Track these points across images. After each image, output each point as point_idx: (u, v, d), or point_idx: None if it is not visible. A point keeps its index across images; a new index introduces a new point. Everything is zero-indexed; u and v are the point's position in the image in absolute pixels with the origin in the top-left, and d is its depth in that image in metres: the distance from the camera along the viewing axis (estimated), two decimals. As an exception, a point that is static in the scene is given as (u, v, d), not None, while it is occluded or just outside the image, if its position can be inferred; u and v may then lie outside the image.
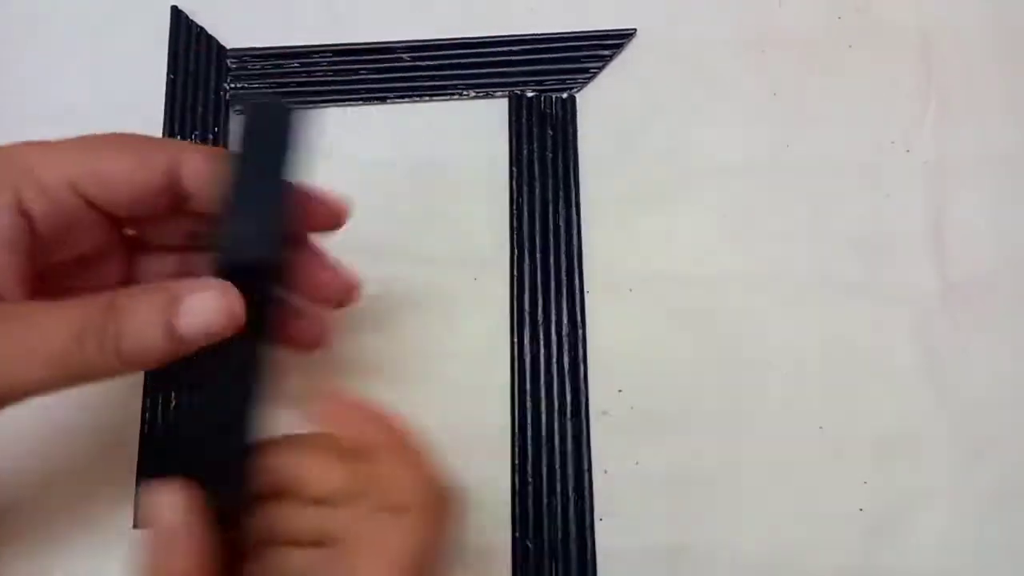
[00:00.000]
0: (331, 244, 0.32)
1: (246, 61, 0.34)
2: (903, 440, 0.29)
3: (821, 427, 0.30)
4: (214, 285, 0.20)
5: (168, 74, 0.34)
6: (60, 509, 0.29)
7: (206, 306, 0.20)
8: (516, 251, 0.31)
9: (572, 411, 0.30)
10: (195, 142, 0.33)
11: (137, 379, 0.30)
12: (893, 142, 0.33)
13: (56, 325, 0.19)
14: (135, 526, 0.29)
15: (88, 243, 0.22)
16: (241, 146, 0.22)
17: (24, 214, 0.20)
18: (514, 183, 0.32)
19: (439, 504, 0.22)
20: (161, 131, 0.33)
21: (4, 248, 0.20)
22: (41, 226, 0.20)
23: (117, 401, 0.30)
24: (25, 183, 0.20)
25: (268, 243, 0.21)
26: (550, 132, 0.33)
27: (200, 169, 0.22)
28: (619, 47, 0.34)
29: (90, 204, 0.21)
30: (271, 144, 0.22)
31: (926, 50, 0.34)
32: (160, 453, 0.29)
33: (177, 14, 0.34)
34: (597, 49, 0.34)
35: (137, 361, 0.20)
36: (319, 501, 0.21)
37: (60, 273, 0.22)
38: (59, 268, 0.22)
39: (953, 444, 0.29)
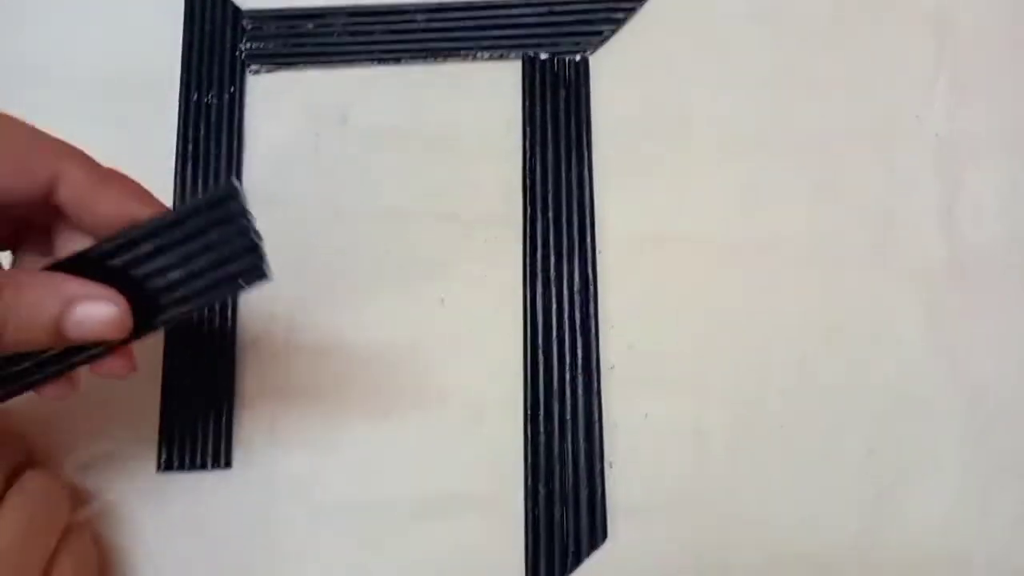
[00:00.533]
0: (349, 207, 0.33)
1: (261, 22, 0.34)
2: (910, 409, 0.30)
3: (828, 392, 0.30)
4: (109, 296, 0.21)
5: (184, 34, 0.34)
6: (86, 452, 0.30)
7: (98, 316, 0.21)
8: (529, 210, 0.32)
9: (583, 365, 0.31)
10: (210, 101, 0.34)
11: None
12: (903, 111, 0.33)
13: None
14: (159, 468, 0.30)
15: None
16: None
17: None
18: (527, 144, 0.33)
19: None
20: (178, 92, 0.34)
21: None
22: None
23: (140, 345, 0.31)
24: None
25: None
26: (563, 94, 0.33)
27: (79, 189, 0.22)
28: (633, 10, 0.34)
29: None
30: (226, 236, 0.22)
31: (939, 23, 0.34)
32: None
33: (192, -26, 0.35)
34: (611, 12, 0.34)
35: (13, 347, 0.21)
36: None
37: None
38: None
39: (961, 415, 0.30)
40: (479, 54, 0.34)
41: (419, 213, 0.32)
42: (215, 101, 0.34)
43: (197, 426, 0.31)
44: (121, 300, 0.21)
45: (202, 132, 0.33)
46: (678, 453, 0.30)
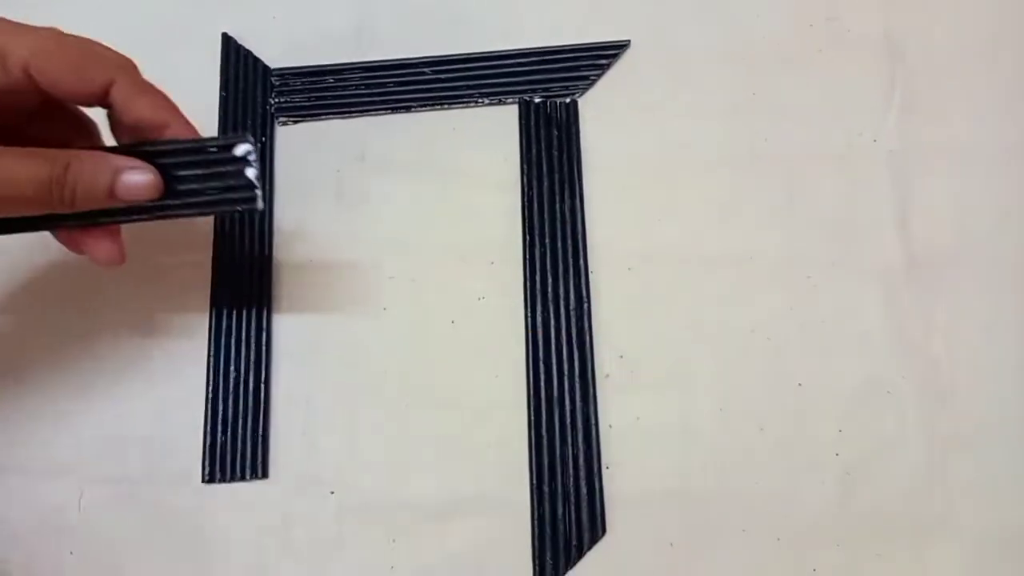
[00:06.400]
0: (367, 235, 0.37)
1: (288, 78, 0.39)
2: (874, 393, 0.33)
3: (800, 383, 0.33)
4: (146, 167, 0.28)
5: (220, 91, 0.38)
6: (134, 464, 0.34)
7: (140, 180, 0.28)
8: (528, 237, 0.36)
9: (580, 375, 0.34)
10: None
11: (202, 344, 0.35)
12: (861, 133, 0.37)
13: (28, 174, 0.26)
14: (203, 480, 0.34)
15: (31, 105, 0.28)
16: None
17: None
18: (525, 178, 0.37)
19: None
20: (215, 141, 0.38)
21: None
22: None
23: (185, 361, 0.35)
24: None
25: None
26: (556, 133, 0.37)
27: (126, 94, 0.28)
28: (615, 57, 0.38)
29: (36, 85, 0.27)
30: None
31: (890, 52, 0.37)
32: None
33: (227, 39, 0.39)
34: (596, 59, 0.38)
35: (82, 208, 0.27)
36: None
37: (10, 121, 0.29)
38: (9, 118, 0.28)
39: (918, 396, 0.33)
40: (480, 100, 0.38)
41: (430, 239, 0.36)
42: (248, 150, 0.38)
43: (236, 442, 0.34)
44: (154, 171, 0.28)
45: (237, 177, 0.37)
46: (668, 451, 0.33)
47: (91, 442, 0.34)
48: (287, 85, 0.39)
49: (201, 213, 0.29)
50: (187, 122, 0.30)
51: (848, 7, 0.38)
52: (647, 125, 0.37)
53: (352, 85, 0.38)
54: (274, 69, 0.39)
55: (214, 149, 0.28)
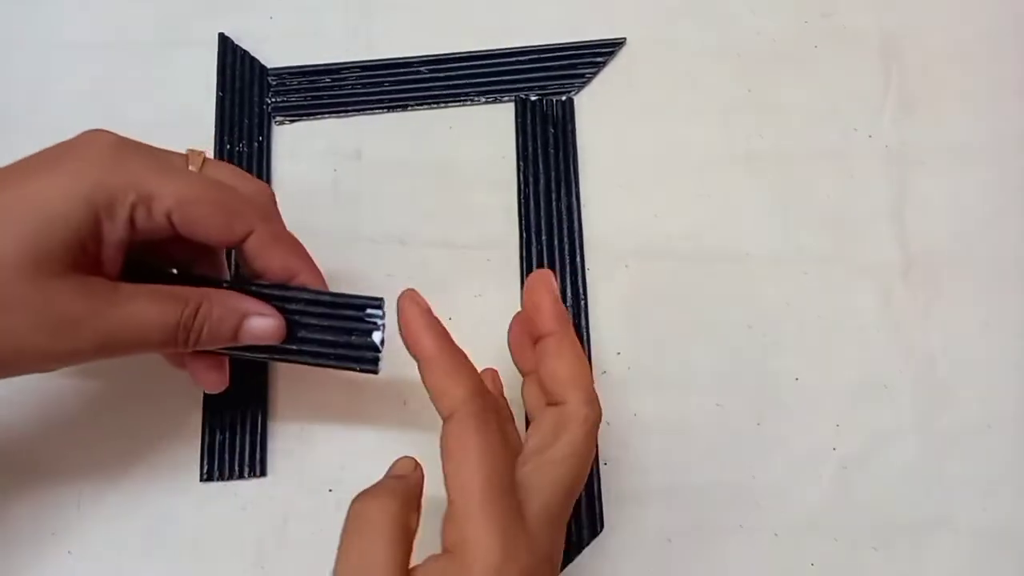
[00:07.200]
0: (364, 234, 0.37)
1: (285, 78, 0.39)
2: (871, 388, 0.33)
3: (797, 378, 0.34)
4: (272, 313, 0.28)
5: (217, 91, 0.38)
6: (133, 463, 0.34)
7: (264, 326, 0.28)
8: (524, 235, 0.36)
9: (577, 371, 0.34)
10: (242, 149, 0.38)
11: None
12: (857, 129, 0.37)
13: (159, 320, 0.26)
14: (202, 479, 0.34)
15: (166, 245, 0.28)
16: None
17: (132, 226, 0.26)
18: (521, 176, 0.37)
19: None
20: (212, 140, 0.38)
21: (115, 247, 0.26)
22: (140, 234, 0.26)
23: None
24: (141, 205, 0.26)
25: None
26: (552, 131, 0.37)
27: (261, 244, 0.28)
28: (611, 54, 0.38)
29: (176, 230, 0.27)
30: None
31: (885, 49, 0.38)
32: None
33: (224, 40, 0.39)
34: (591, 57, 0.38)
35: (204, 345, 0.27)
36: None
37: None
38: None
39: (915, 391, 0.33)
40: (476, 98, 0.38)
41: (427, 237, 0.36)
42: (246, 149, 0.38)
43: (235, 440, 0.34)
44: (280, 317, 0.28)
45: (234, 177, 0.37)
46: (665, 446, 0.33)
47: (90, 441, 0.34)
48: (284, 84, 0.39)
49: (317, 364, 0.29)
50: (317, 271, 0.29)
51: (844, 3, 0.38)
52: (643, 122, 0.37)
53: (348, 84, 0.38)
54: (271, 69, 0.39)
55: (345, 307, 0.28)
